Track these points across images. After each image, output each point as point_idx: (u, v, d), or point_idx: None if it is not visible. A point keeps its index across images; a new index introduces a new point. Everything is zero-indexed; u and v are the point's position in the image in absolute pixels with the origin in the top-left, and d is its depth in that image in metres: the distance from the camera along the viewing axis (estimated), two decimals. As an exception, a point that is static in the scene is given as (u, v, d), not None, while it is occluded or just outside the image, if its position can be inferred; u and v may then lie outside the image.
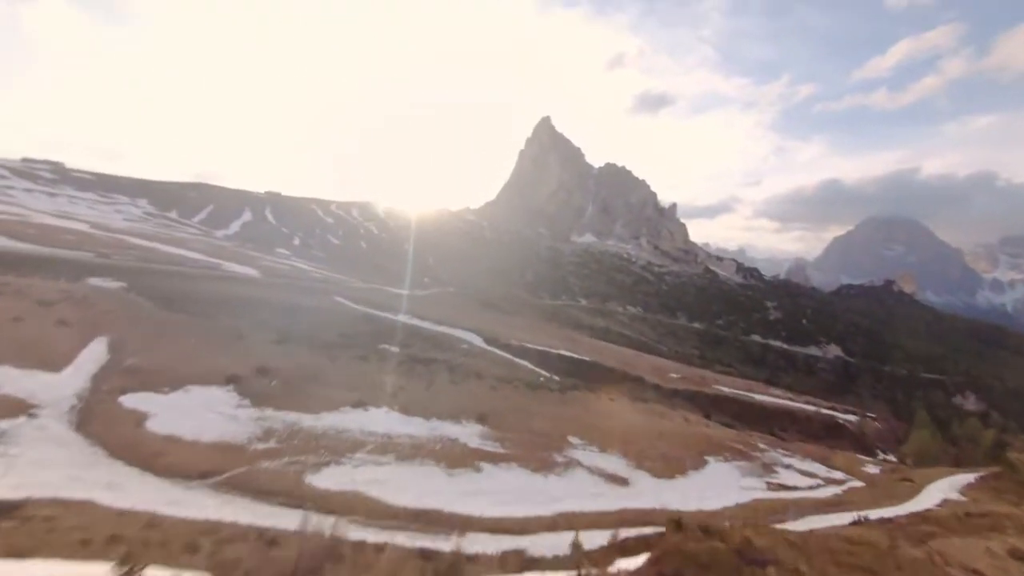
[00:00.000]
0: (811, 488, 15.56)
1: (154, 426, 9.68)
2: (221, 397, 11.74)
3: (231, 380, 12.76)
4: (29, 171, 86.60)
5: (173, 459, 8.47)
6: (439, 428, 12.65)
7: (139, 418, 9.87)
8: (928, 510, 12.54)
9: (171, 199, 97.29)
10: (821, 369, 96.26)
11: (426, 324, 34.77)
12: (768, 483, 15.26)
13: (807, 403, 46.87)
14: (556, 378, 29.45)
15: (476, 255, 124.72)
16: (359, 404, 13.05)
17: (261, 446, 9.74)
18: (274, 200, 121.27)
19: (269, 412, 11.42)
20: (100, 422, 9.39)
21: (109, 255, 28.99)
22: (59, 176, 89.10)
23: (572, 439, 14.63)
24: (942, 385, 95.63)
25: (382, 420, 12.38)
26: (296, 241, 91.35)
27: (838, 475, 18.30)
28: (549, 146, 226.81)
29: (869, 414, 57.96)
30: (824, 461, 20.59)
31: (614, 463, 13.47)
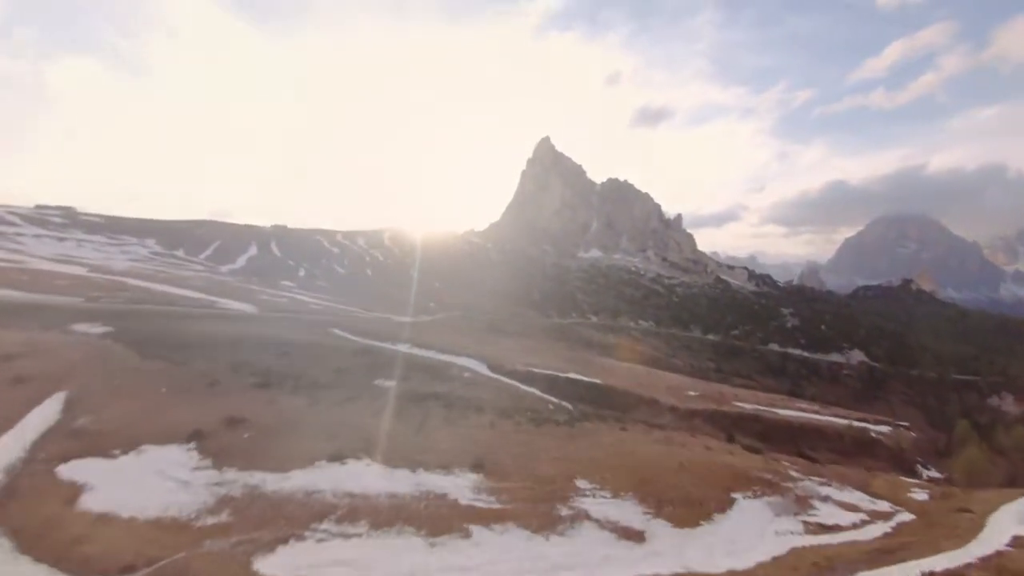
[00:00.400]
0: (856, 527, 13.68)
1: (89, 502, 8.40)
2: (178, 458, 10.46)
3: (194, 436, 11.49)
4: (40, 217, 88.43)
5: (95, 548, 7.15)
6: (426, 482, 11.19)
7: (74, 493, 8.61)
8: (1001, 553, 10.68)
9: (178, 237, 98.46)
10: (846, 376, 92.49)
11: (427, 353, 33.46)
12: (805, 523, 13.43)
13: (835, 415, 44.27)
14: (566, 404, 27.79)
15: (482, 277, 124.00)
16: (337, 457, 11.67)
17: (211, 520, 8.38)
18: (280, 233, 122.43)
19: (230, 474, 10.09)
20: (24, 502, 8.14)
21: (99, 298, 28.39)
22: (69, 221, 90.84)
23: (580, 483, 13.04)
24: (976, 387, 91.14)
25: (361, 475, 10.96)
26: (301, 273, 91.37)
27: (883, 505, 16.30)
28: (550, 165, 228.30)
29: (902, 423, 54.79)
30: (864, 488, 18.56)
31: (628, 511, 11.84)
